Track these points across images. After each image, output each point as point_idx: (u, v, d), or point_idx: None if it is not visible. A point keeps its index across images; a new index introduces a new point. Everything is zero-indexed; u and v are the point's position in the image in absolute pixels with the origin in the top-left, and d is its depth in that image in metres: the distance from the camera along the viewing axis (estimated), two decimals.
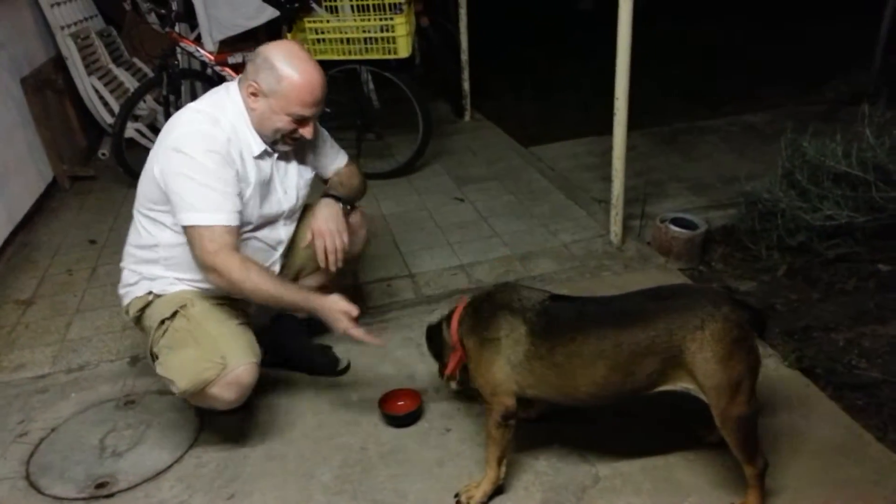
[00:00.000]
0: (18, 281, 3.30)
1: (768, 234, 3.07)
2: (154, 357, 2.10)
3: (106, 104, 4.81)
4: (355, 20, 3.80)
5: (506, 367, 1.78)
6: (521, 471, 2.00)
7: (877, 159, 2.86)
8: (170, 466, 2.11)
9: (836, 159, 2.95)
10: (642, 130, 4.45)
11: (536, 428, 2.12)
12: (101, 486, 2.06)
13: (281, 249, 2.30)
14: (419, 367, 2.45)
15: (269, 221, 2.21)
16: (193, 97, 5.40)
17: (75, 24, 4.80)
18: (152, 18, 4.58)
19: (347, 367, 2.47)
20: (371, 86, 4.70)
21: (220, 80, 4.22)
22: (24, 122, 4.07)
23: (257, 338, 2.15)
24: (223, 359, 1.96)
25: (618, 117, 2.94)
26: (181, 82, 4.33)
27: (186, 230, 1.97)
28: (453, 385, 2.07)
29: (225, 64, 4.06)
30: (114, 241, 3.63)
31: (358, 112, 4.26)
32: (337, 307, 1.98)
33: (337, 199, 2.28)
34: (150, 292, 2.14)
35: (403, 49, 3.77)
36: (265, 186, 2.15)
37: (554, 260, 3.17)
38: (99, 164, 4.73)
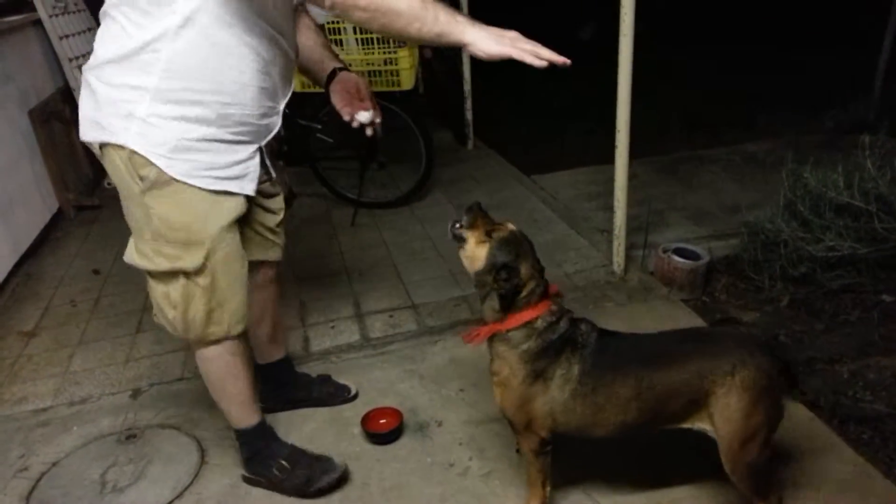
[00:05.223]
0: (22, 312, 3.30)
1: (771, 265, 3.07)
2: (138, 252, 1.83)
3: None
4: (360, 54, 3.85)
5: (547, 405, 1.74)
6: None
7: (878, 190, 2.87)
8: (170, 503, 2.10)
9: (837, 190, 2.95)
10: (643, 159, 4.46)
11: None
12: None
13: (292, 67, 1.95)
14: (421, 400, 2.43)
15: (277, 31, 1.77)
16: None
17: (84, 55, 4.87)
18: None
19: (357, 395, 2.48)
20: None
21: None
22: (31, 153, 4.12)
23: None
24: (229, 328, 1.90)
25: (619, 149, 2.96)
26: None
27: None
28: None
29: None
30: (118, 272, 3.64)
31: (362, 142, 4.29)
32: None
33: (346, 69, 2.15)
34: (134, 152, 1.68)
35: (407, 81, 3.82)
36: None
37: None
38: (104, 194, 4.77)
